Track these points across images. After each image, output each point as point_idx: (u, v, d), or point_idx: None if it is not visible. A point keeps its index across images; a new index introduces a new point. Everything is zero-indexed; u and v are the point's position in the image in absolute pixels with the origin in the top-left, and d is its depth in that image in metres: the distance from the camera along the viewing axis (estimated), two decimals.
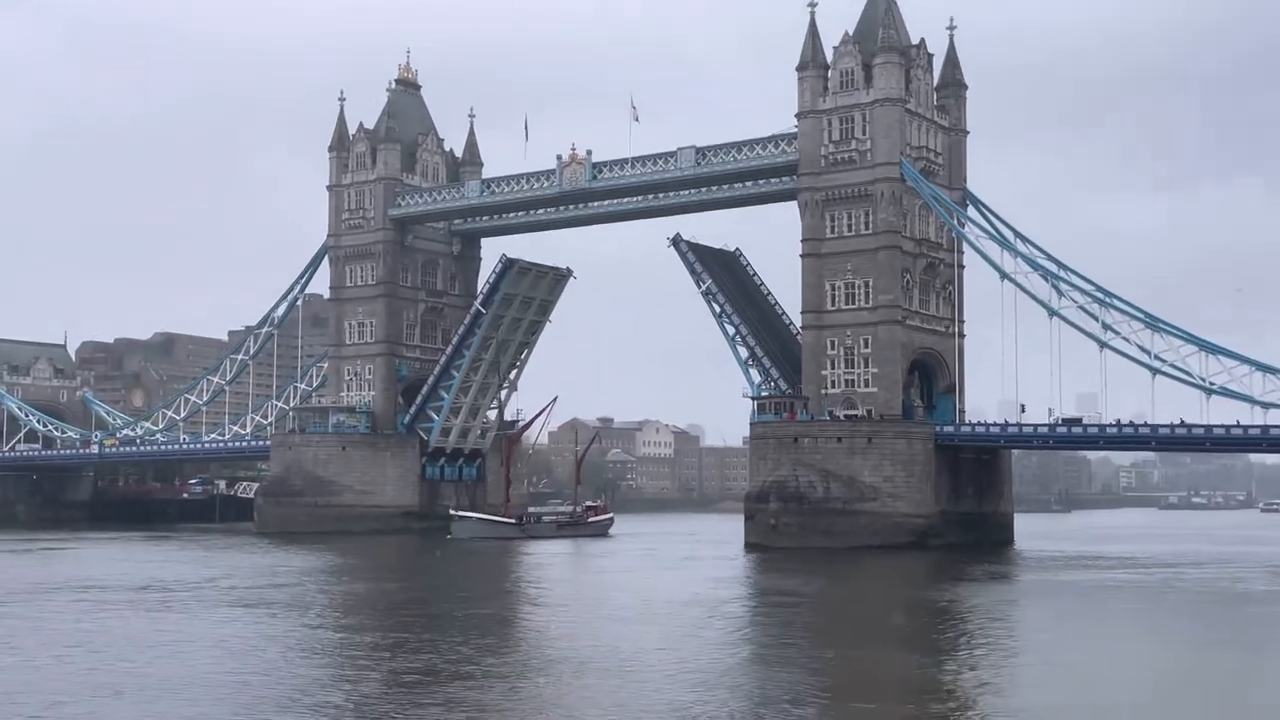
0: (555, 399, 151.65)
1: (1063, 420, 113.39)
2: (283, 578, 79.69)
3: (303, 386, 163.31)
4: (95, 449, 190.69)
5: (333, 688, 38.87)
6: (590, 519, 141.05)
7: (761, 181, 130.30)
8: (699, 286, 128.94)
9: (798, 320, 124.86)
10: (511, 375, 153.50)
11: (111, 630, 51.65)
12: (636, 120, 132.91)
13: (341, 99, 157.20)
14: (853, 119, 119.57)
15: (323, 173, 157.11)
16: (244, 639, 49.26)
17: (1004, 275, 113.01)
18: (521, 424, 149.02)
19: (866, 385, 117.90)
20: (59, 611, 58.61)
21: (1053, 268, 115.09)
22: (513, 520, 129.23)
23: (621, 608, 62.08)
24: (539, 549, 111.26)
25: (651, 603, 64.10)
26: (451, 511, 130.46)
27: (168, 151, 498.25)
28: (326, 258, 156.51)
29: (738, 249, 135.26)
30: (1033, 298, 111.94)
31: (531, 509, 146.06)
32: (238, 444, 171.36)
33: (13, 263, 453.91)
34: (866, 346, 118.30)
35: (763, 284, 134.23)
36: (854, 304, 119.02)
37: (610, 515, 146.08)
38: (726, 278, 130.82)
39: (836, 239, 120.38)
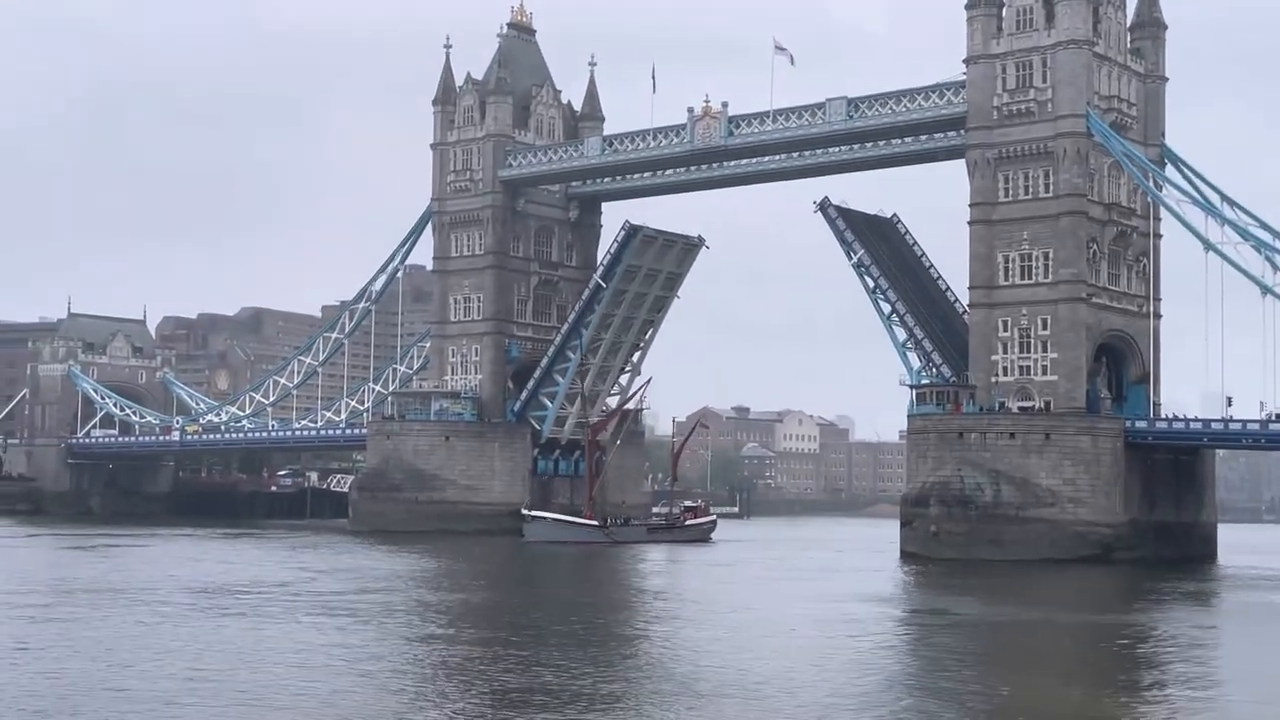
0: (649, 380, 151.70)
1: (1276, 416, 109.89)
2: (376, 581, 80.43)
3: (402, 369, 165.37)
4: (176, 436, 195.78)
5: (431, 707, 38.84)
6: (688, 522, 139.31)
7: (923, 137, 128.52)
8: (850, 258, 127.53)
9: (964, 297, 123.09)
10: (635, 358, 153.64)
11: (175, 635, 52.40)
12: (791, 63, 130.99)
13: (447, 46, 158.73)
14: (1031, 64, 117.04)
15: (426, 130, 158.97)
16: (329, 649, 49.58)
17: (1209, 246, 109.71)
18: (611, 410, 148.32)
19: (1044, 373, 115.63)
20: (117, 614, 59.73)
21: (1267, 237, 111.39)
22: (595, 523, 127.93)
23: (751, 624, 61.41)
24: (632, 556, 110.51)
25: (787, 620, 63.31)
26: (524, 511, 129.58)
27: (253, 109, 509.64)
28: (429, 225, 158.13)
29: (895, 214, 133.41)
30: (1242, 272, 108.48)
31: (621, 511, 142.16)
32: (331, 432, 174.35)
33: (90, 233, 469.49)
34: (1045, 328, 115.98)
35: (924, 255, 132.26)
36: (1030, 279, 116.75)
37: (713, 518, 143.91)
38: (882, 247, 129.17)
39: (1011, 203, 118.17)
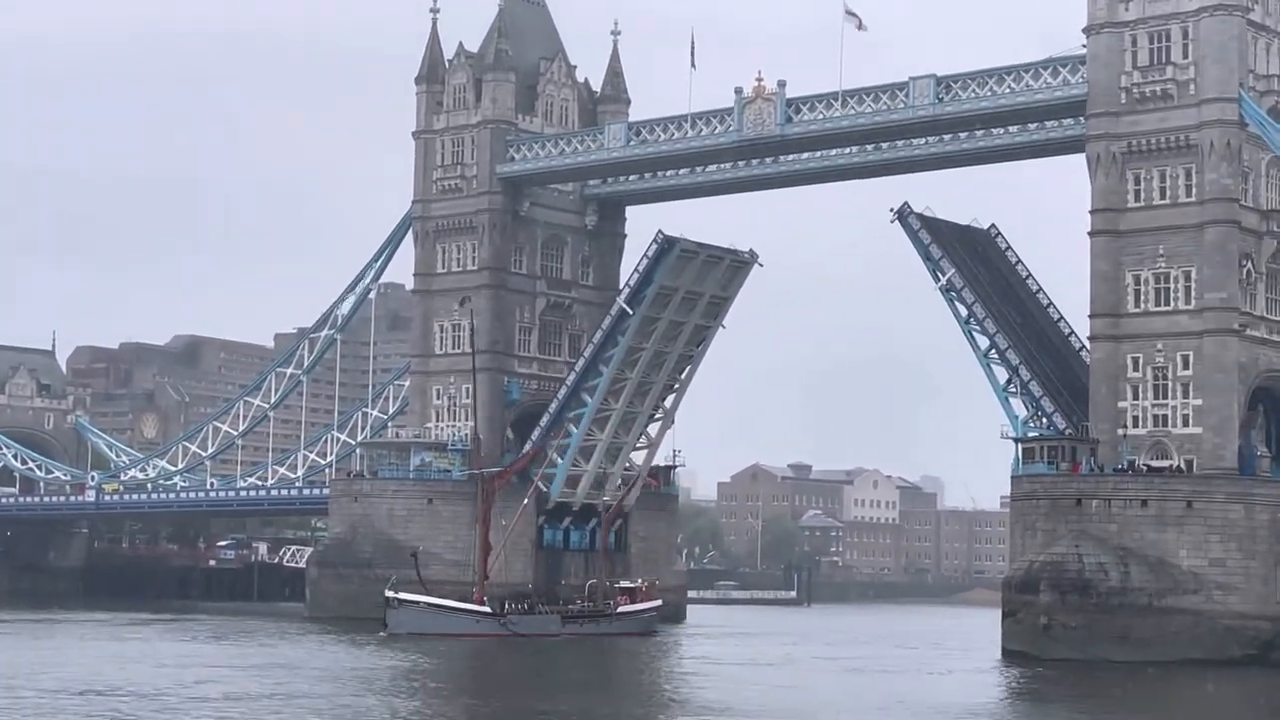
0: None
1: None
2: (310, 683, 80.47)
3: (375, 413, 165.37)
4: (91, 497, 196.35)
5: None
6: (620, 609, 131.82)
7: (1032, 126, 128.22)
8: (936, 279, 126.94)
9: (1082, 329, 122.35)
10: (667, 402, 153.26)
11: None
12: (860, 27, 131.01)
13: (434, 11, 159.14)
14: (1168, 35, 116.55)
15: (407, 115, 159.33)
16: None
17: None
18: (515, 459, 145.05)
19: (1186, 424, 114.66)
20: None
21: None
22: (487, 610, 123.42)
23: None
24: (532, 653, 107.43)
25: None
26: (387, 593, 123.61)
27: (192, 94, 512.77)
28: (410, 233, 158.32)
29: (993, 225, 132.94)
30: None
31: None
32: (285, 493, 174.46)
33: None
34: (1186, 367, 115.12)
35: (1030, 276, 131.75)
36: (1168, 304, 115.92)
37: (656, 602, 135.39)
38: (977, 267, 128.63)
39: (1143, 209, 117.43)
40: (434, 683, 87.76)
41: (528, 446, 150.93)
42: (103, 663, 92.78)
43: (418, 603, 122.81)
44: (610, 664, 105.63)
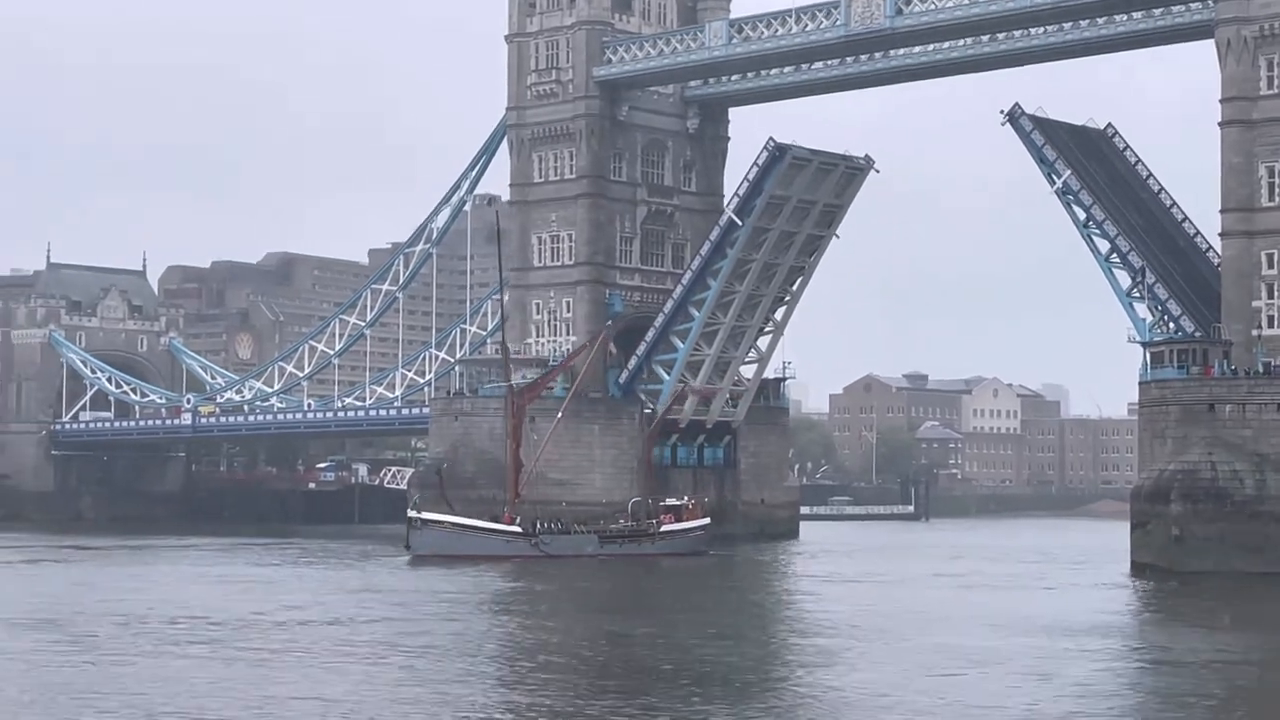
0: (609, 324, 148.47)
1: None
2: (431, 609, 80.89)
3: (473, 329, 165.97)
4: (187, 420, 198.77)
5: None
6: (662, 528, 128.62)
7: (1157, 11, 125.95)
8: (1051, 182, 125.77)
9: (1208, 229, 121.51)
10: (778, 315, 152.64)
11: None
12: None
13: None
14: None
15: (498, 19, 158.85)
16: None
17: None
18: (547, 371, 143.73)
19: None
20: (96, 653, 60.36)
21: None
22: (518, 530, 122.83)
23: (907, 658, 60.60)
24: (567, 577, 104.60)
25: (979, 651, 62.34)
26: (410, 513, 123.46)
27: (279, 10, 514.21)
28: (505, 142, 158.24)
29: (1110, 125, 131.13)
30: None
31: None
32: (384, 413, 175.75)
33: (74, 167, 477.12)
34: None
35: (1150, 175, 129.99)
36: None
37: (703, 520, 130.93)
38: (1094, 168, 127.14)
39: (1277, 97, 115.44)
40: (543, 604, 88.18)
41: (633, 363, 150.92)
42: (198, 587, 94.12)
43: (442, 523, 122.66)
44: (710, 583, 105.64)
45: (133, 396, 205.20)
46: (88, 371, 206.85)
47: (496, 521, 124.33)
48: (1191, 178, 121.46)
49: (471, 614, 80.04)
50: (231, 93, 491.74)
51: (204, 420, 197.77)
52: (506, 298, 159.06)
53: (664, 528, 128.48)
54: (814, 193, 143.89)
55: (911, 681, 55.35)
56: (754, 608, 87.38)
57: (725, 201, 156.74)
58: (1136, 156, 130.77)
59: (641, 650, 64.74)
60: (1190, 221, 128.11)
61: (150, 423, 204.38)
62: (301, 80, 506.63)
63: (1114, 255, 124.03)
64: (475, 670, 57.84)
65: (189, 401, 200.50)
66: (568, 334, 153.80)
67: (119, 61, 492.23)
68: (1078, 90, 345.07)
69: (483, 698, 50.98)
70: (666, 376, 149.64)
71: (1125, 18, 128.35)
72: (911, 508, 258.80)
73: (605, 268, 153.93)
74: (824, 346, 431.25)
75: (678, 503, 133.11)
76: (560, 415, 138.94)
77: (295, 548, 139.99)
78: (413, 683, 54.05)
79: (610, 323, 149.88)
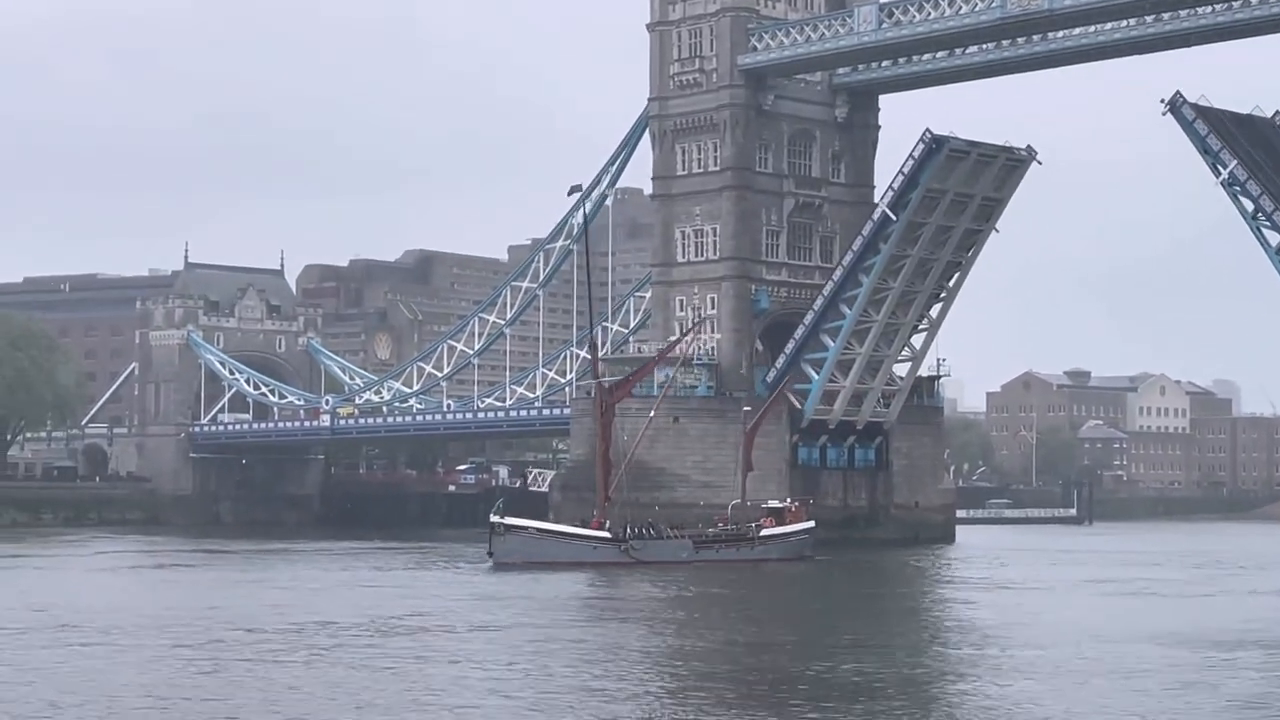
0: (699, 322, 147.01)
1: None
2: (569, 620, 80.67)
3: (615, 327, 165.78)
4: (326, 421, 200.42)
5: None
6: (763, 532, 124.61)
7: None
8: (1216, 174, 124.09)
9: None
10: (934, 311, 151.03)
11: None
12: None
13: None
14: None
15: (640, 7, 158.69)
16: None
17: None
18: (639, 367, 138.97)
19: None
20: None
21: None
22: (606, 535, 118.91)
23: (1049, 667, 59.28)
24: (661, 587, 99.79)
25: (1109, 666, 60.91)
26: (493, 518, 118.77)
27: (415, 3, 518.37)
28: (647, 134, 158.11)
29: (1278, 113, 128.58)
30: None
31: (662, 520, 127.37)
32: (524, 413, 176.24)
33: (212, 168, 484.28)
34: None
35: None
36: None
37: (808, 524, 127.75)
38: (1262, 158, 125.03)
39: None
40: (682, 611, 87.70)
41: (779, 361, 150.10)
42: (328, 595, 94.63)
43: (527, 528, 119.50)
44: (861, 590, 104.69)
45: (271, 398, 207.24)
46: (226, 373, 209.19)
47: (585, 526, 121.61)
48: None
49: (588, 621, 79.54)
50: (365, 91, 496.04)
51: (342, 422, 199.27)
52: (649, 295, 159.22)
53: (764, 531, 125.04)
54: (972, 186, 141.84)
55: (1063, 693, 54.20)
56: (903, 615, 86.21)
57: (876, 193, 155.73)
58: None
59: (783, 659, 64.02)
60: None
61: (288, 424, 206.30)
62: (436, 75, 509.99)
63: None
64: (611, 680, 57.29)
65: (327, 403, 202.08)
66: (713, 331, 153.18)
67: (255, 57, 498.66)
68: (1244, 74, 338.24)
69: (631, 708, 50.46)
70: (816, 376, 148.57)
71: None
72: (1074, 511, 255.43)
73: (751, 263, 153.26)
74: (981, 342, 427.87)
75: (780, 505, 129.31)
76: (653, 413, 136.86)
77: (436, 552, 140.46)
78: (557, 690, 53.66)
79: (698, 322, 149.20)
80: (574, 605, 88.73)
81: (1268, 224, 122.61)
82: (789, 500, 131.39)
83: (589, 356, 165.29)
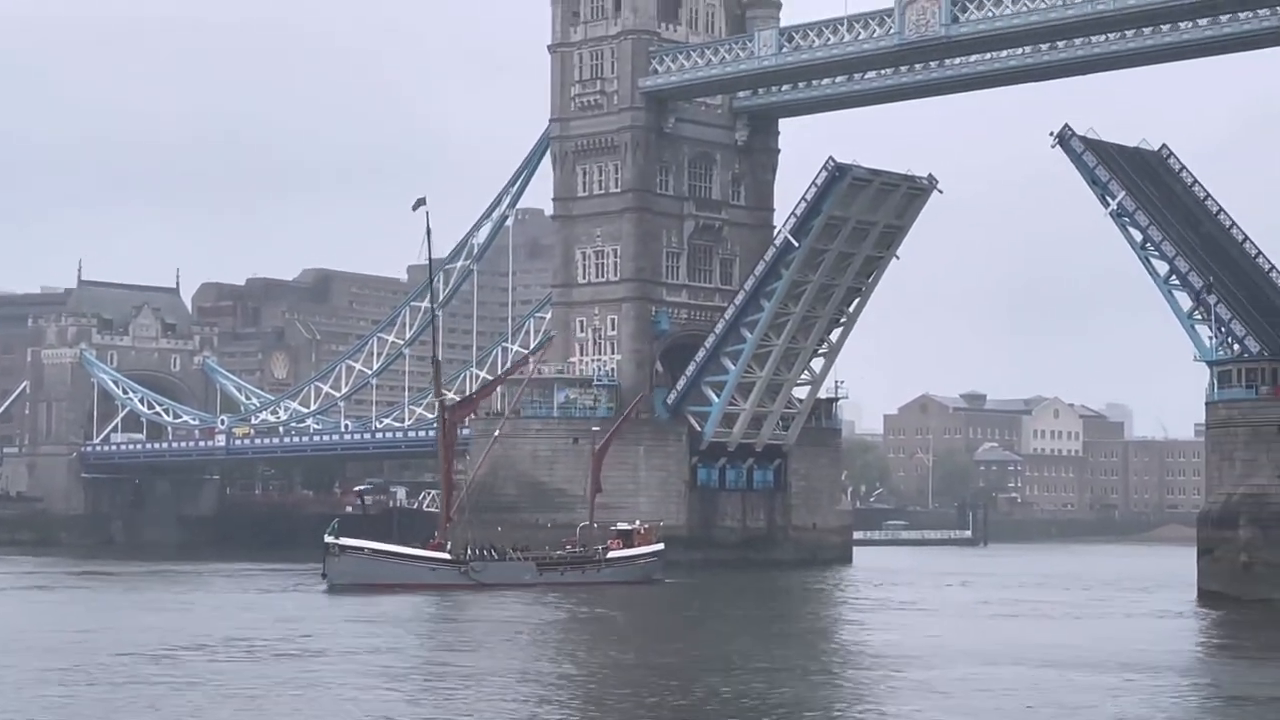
0: (550, 337, 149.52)
1: None
2: (456, 638, 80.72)
3: (514, 348, 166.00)
4: (221, 441, 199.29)
5: None
6: (610, 555, 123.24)
7: (1224, 19, 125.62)
8: (1105, 204, 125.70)
9: (1270, 247, 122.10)
10: (833, 336, 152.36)
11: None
12: None
13: None
14: None
15: (541, 28, 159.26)
16: None
17: None
18: (482, 385, 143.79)
19: None
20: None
21: None
22: (446, 557, 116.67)
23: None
24: (507, 607, 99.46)
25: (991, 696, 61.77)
26: (327, 539, 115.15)
27: (315, 21, 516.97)
28: (548, 155, 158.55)
29: (1164, 146, 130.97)
30: None
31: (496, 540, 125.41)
32: (422, 434, 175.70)
33: (105, 184, 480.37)
34: None
35: (1208, 196, 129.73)
36: None
37: (657, 547, 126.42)
38: (1150, 189, 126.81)
39: None
40: (586, 634, 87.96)
41: (680, 383, 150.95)
42: (257, 613, 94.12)
43: (361, 549, 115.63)
44: (752, 612, 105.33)
45: (165, 418, 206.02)
46: (119, 392, 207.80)
47: (421, 548, 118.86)
48: (1248, 192, 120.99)
49: (421, 645, 79.31)
50: (262, 109, 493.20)
51: (238, 442, 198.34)
52: (550, 315, 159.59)
53: (611, 554, 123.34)
54: (874, 213, 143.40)
55: (945, 717, 54.94)
56: (792, 638, 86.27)
57: (776, 216, 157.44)
58: (1193, 177, 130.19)
59: (664, 681, 64.14)
60: (1251, 241, 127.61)
61: (183, 444, 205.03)
62: (336, 95, 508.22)
63: (1173, 277, 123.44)
64: (488, 703, 57.33)
65: (223, 423, 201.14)
66: (613, 352, 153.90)
67: (148, 74, 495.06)
68: (1134, 102, 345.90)
69: None
70: (716, 399, 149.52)
71: (1190, 25, 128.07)
72: (969, 533, 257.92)
73: (651, 284, 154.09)
74: (879, 365, 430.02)
75: (629, 527, 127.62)
76: (496, 433, 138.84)
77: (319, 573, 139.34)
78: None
79: (544, 347, 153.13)
80: (394, 626, 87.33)
81: (1155, 253, 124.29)
82: (638, 521, 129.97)
83: (488, 377, 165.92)
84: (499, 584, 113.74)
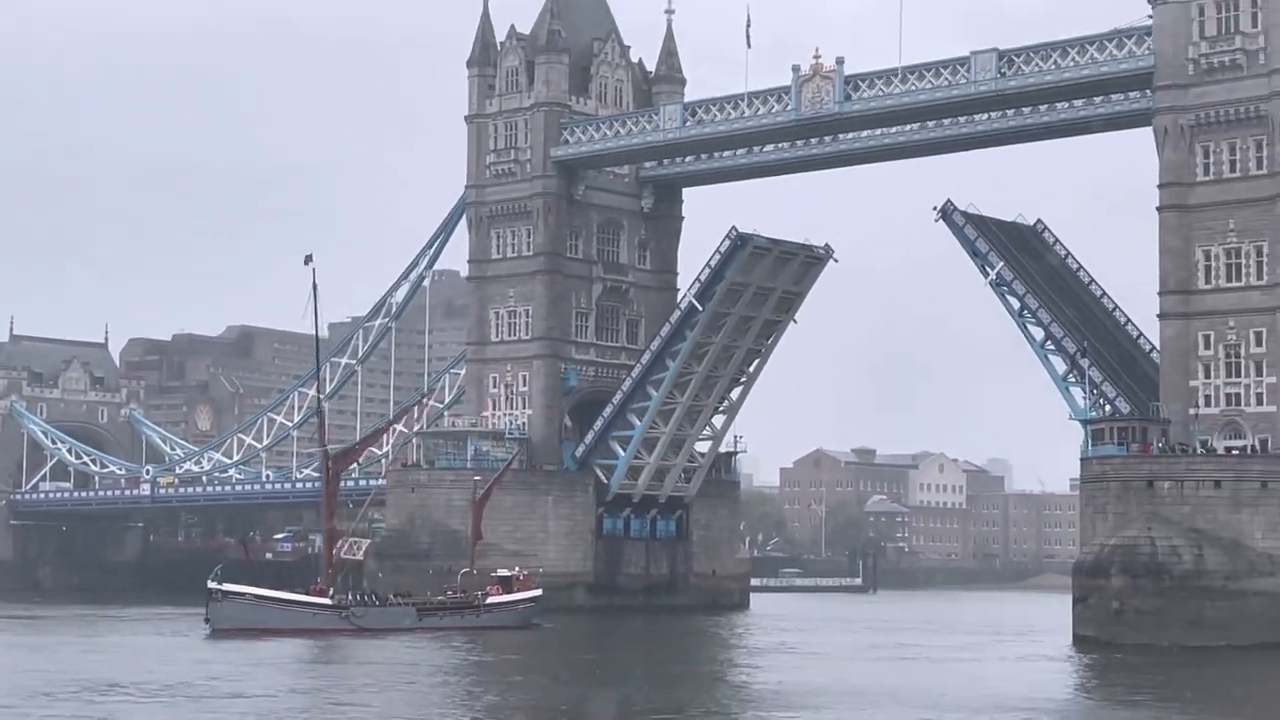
0: (421, 398, 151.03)
1: None
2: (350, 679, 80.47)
3: (430, 402, 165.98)
4: (146, 490, 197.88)
5: None
6: (490, 600, 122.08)
7: (1098, 100, 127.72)
8: (985, 274, 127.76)
9: (1139, 314, 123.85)
10: (734, 395, 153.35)
11: None
12: None
13: None
14: (1237, 4, 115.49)
15: (458, 100, 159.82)
16: None
17: None
18: (365, 437, 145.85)
19: (1260, 402, 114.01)
20: None
21: None
22: (328, 602, 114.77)
23: None
24: (390, 654, 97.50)
25: None
26: (210, 584, 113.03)
27: (242, 82, 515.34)
28: (464, 220, 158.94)
29: (1039, 221, 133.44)
30: None
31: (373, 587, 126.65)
32: (341, 484, 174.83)
33: (36, 241, 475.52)
34: (1259, 344, 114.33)
35: (1081, 268, 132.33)
36: (1240, 280, 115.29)
37: (535, 592, 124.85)
38: (1027, 261, 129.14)
39: (1213, 183, 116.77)
40: (479, 676, 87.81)
41: (588, 437, 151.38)
42: (130, 657, 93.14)
43: (244, 595, 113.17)
44: (648, 654, 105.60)
45: (93, 467, 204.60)
46: (48, 442, 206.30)
47: (303, 593, 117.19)
48: (1128, 260, 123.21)
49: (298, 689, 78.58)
50: (189, 169, 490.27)
51: (163, 491, 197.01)
52: (464, 372, 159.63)
53: (490, 599, 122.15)
54: (773, 280, 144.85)
55: None
56: (689, 679, 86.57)
57: (680, 279, 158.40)
58: (1066, 249, 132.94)
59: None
60: (1120, 310, 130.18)
61: (110, 493, 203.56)
62: (262, 156, 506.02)
63: (1049, 342, 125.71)
64: None
65: (148, 472, 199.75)
66: (524, 407, 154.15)
67: (76, 135, 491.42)
68: (1012, 176, 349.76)
69: None
70: (622, 452, 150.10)
71: (1067, 105, 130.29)
72: (859, 580, 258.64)
73: (561, 342, 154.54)
74: (776, 422, 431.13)
75: (508, 574, 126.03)
76: (378, 487, 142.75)
77: None
78: None
79: (420, 399, 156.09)
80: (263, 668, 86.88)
81: (1032, 320, 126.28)
82: (517, 568, 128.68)
83: (405, 430, 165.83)
84: (379, 628, 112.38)
